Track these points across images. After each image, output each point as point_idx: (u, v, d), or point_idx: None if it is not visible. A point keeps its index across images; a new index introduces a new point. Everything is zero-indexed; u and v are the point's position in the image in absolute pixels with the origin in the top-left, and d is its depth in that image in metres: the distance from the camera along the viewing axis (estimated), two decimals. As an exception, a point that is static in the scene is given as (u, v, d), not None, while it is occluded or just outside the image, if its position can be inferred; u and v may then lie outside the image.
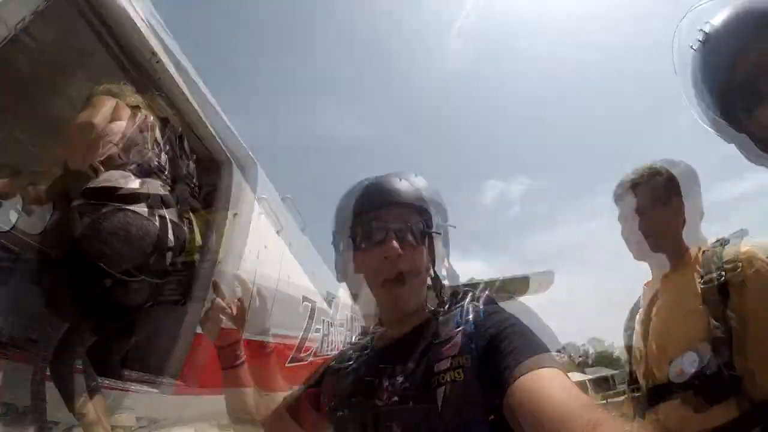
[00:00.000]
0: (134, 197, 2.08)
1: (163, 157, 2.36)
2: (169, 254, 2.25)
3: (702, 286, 1.48)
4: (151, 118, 2.35)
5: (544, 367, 0.78)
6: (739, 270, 1.43)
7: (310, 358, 4.08)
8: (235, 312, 1.47)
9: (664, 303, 1.63)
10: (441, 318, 1.05)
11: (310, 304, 4.27)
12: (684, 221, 1.64)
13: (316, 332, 4.25)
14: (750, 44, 0.95)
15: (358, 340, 1.26)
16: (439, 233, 1.14)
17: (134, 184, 2.11)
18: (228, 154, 3.23)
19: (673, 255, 1.64)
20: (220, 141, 3.13)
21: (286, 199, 4.27)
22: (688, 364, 1.42)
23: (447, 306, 1.09)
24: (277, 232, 3.95)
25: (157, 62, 2.44)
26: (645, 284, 1.80)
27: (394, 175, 1.14)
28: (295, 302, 3.99)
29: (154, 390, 2.45)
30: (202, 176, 3.21)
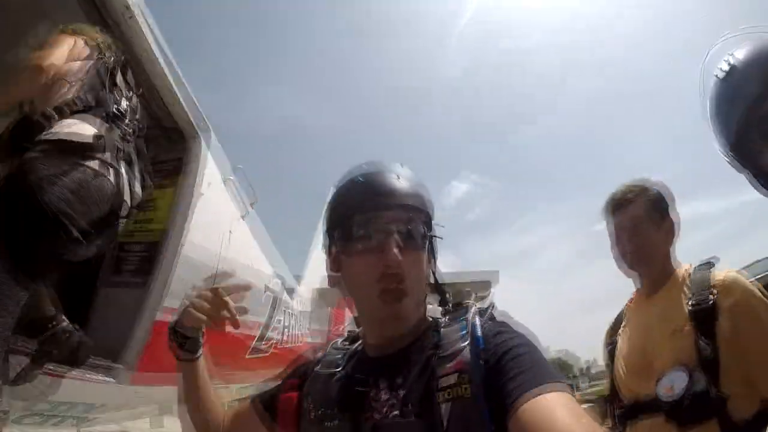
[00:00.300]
0: (91, 150, 1.84)
1: (124, 104, 2.10)
2: (124, 214, 2.02)
3: (691, 307, 1.50)
4: (116, 59, 2.09)
5: (553, 392, 0.75)
6: (727, 294, 1.47)
7: (271, 350, 3.89)
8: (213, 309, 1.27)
9: (651, 320, 1.64)
10: (444, 329, 0.97)
11: (272, 294, 4.08)
12: (672, 241, 1.67)
13: (277, 323, 4.07)
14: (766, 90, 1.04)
15: (345, 344, 1.16)
16: (440, 237, 1.06)
17: (91, 134, 1.86)
18: (196, 127, 3.00)
19: (662, 273, 1.66)
20: (188, 112, 2.90)
21: (237, 170, 4.00)
22: (677, 381, 1.44)
23: (449, 317, 1.01)
24: (242, 217, 3.74)
25: (130, 18, 2.21)
26: (629, 302, 1.82)
27: (388, 170, 1.03)
28: (257, 291, 3.80)
29: (110, 379, 2.21)
30: (167, 149, 3.00)
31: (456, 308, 1.02)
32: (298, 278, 5.80)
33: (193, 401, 1.25)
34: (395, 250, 0.94)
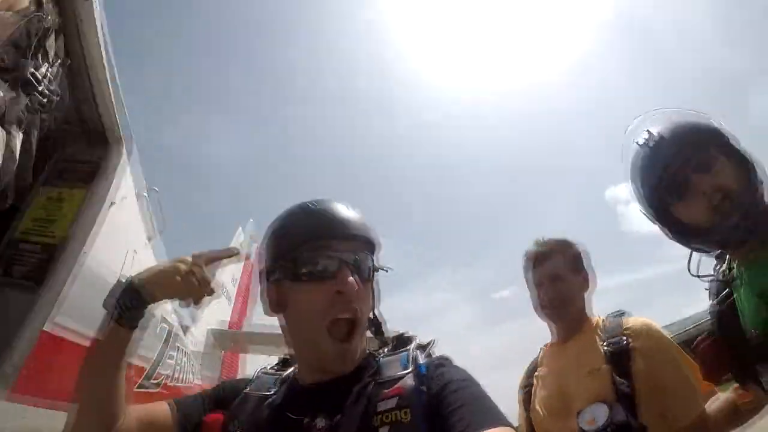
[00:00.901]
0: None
1: (44, 70, 1.87)
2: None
3: (606, 349, 1.64)
4: (53, 21, 1.91)
5: (501, 426, 0.77)
6: (639, 337, 1.63)
7: (161, 387, 3.51)
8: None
9: (567, 363, 1.74)
10: (383, 359, 0.99)
11: (167, 327, 3.75)
12: (587, 290, 1.85)
13: (169, 359, 3.71)
14: (677, 156, 1.26)
15: (275, 368, 1.15)
16: (387, 270, 1.08)
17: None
18: (121, 133, 2.84)
19: (578, 320, 1.81)
20: (116, 114, 2.74)
21: (152, 192, 3.75)
22: (599, 413, 1.53)
23: (388, 349, 1.03)
24: (149, 239, 3.48)
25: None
26: (544, 347, 1.95)
27: (336, 202, 1.04)
28: (153, 322, 3.47)
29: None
30: (86, 150, 2.79)
31: (396, 341, 1.04)
32: (192, 317, 5.39)
33: (104, 380, 1.05)
34: (351, 278, 0.95)
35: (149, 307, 1.09)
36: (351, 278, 0.95)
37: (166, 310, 3.90)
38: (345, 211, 1.01)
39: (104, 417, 1.03)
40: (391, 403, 0.86)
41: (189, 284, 1.08)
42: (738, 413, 1.49)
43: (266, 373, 1.12)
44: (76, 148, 2.72)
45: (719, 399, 1.56)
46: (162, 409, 1.08)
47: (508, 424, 0.78)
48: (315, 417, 0.90)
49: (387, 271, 1.07)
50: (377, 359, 1.00)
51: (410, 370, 0.92)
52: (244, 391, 1.07)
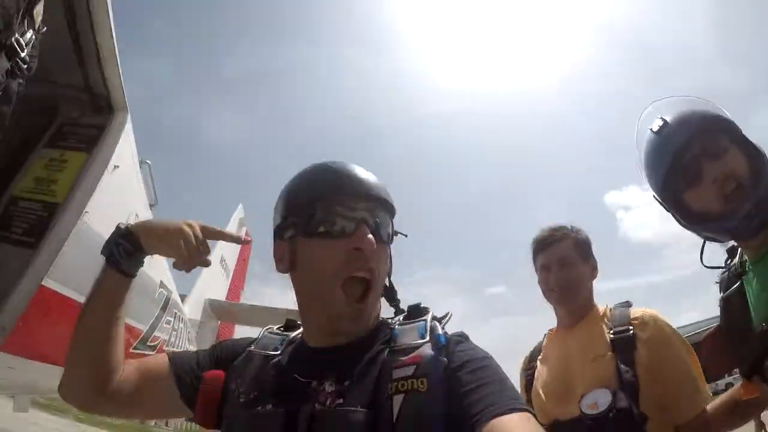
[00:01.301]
0: None
1: (29, 36, 1.84)
2: None
3: (612, 336, 1.66)
4: None
5: (520, 411, 0.75)
6: (645, 327, 1.65)
7: (155, 352, 3.59)
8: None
9: (572, 349, 1.76)
10: (398, 327, 0.95)
11: (165, 293, 3.82)
12: (594, 278, 1.86)
13: (166, 324, 3.79)
14: (690, 143, 1.26)
15: (280, 329, 1.10)
16: (405, 235, 1.05)
17: None
18: (126, 101, 2.86)
19: (584, 307, 1.82)
20: (122, 83, 2.77)
21: (144, 165, 3.74)
22: (601, 398, 1.55)
23: (404, 318, 0.99)
24: (151, 206, 3.53)
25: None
26: (549, 332, 1.96)
27: (355, 165, 1.01)
28: (151, 286, 3.54)
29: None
30: (91, 114, 2.82)
31: (412, 311, 1.00)
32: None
33: (101, 330, 1.04)
34: (370, 236, 0.92)
35: (147, 259, 1.10)
36: (369, 236, 0.92)
37: (166, 276, 3.97)
38: (365, 172, 0.99)
39: (102, 369, 1.03)
40: (408, 371, 0.83)
41: (187, 246, 1.04)
42: (740, 409, 1.50)
43: (272, 333, 1.09)
44: (80, 112, 2.73)
45: (721, 396, 1.56)
46: (160, 361, 1.08)
47: (528, 409, 0.76)
48: (323, 381, 0.88)
49: (405, 236, 1.04)
50: (391, 327, 0.96)
51: (427, 339, 0.88)
52: (248, 349, 1.04)
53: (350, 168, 0.98)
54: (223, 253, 7.35)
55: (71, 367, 1.07)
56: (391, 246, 1.03)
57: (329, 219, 0.94)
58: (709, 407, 1.57)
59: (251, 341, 1.07)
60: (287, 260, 0.99)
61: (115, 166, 2.77)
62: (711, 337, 1.43)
